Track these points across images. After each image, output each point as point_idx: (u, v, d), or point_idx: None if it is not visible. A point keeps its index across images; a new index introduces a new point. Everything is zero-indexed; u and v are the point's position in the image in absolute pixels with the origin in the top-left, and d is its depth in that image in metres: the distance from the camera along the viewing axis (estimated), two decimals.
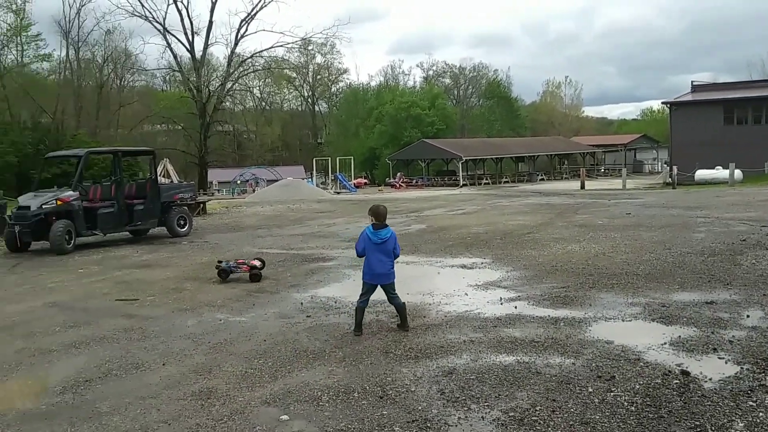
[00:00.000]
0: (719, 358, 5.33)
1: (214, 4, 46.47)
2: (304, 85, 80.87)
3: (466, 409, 4.47)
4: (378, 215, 6.49)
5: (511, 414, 4.34)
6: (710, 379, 4.83)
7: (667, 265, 9.39)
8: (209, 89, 49.01)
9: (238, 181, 50.68)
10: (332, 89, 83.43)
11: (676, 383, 4.76)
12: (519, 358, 5.48)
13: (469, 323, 6.67)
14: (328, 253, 12.17)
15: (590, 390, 4.69)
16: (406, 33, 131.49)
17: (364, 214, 18.46)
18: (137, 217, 15.40)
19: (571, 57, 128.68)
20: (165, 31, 46.43)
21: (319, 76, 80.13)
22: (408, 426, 4.23)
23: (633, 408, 4.36)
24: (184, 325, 7.14)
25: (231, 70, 49.58)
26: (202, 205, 22.54)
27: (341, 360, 5.65)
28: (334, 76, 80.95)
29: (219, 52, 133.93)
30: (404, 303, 6.65)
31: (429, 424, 4.24)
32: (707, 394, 4.54)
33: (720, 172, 35.68)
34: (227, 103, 57.39)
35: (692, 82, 47.23)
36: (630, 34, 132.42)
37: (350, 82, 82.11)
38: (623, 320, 6.62)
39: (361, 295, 6.55)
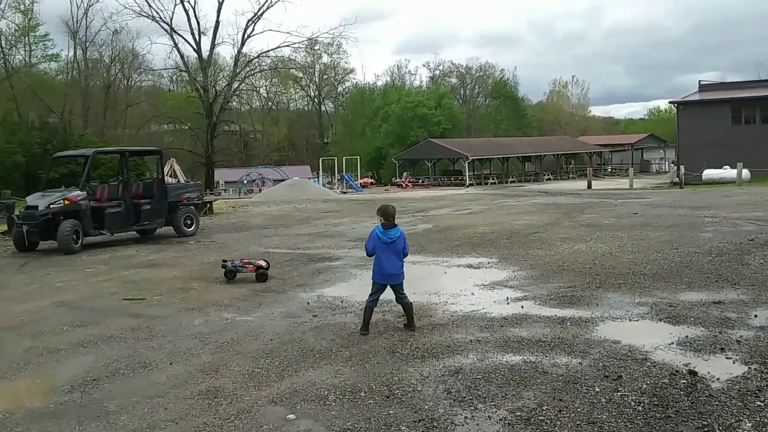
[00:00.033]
0: (727, 358, 5.31)
1: (220, 4, 46.68)
2: (311, 84, 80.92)
3: (472, 408, 4.47)
4: (387, 215, 6.53)
5: (517, 413, 4.34)
6: (718, 379, 4.82)
7: (675, 265, 9.36)
8: (216, 89, 49.15)
9: (245, 181, 50.68)
10: (339, 89, 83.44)
11: (684, 383, 4.75)
12: (526, 357, 5.48)
13: (475, 323, 6.68)
14: (334, 252, 12.18)
15: (597, 390, 4.69)
16: (413, 33, 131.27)
17: (370, 213, 18.51)
18: (144, 217, 15.46)
19: (578, 56, 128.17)
20: (172, 31, 46.74)
21: (325, 76, 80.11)
22: (414, 425, 4.23)
23: (640, 408, 4.35)
24: (191, 324, 7.17)
25: (238, 70, 49.73)
26: (208, 204, 22.63)
27: (348, 359, 5.65)
28: (340, 76, 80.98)
29: (226, 52, 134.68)
30: (412, 303, 6.67)
31: (435, 424, 4.24)
32: (715, 394, 4.53)
33: (727, 172, 35.49)
34: (234, 103, 57.65)
35: (700, 81, 46.95)
36: (637, 33, 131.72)
37: (357, 82, 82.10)
38: (630, 320, 6.61)
39: (371, 294, 6.58)
